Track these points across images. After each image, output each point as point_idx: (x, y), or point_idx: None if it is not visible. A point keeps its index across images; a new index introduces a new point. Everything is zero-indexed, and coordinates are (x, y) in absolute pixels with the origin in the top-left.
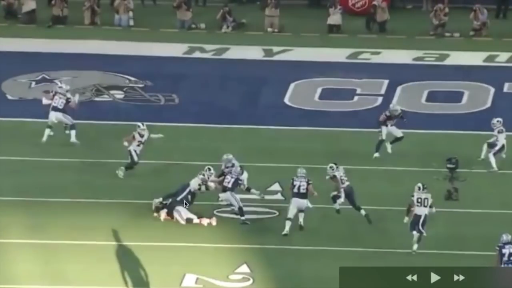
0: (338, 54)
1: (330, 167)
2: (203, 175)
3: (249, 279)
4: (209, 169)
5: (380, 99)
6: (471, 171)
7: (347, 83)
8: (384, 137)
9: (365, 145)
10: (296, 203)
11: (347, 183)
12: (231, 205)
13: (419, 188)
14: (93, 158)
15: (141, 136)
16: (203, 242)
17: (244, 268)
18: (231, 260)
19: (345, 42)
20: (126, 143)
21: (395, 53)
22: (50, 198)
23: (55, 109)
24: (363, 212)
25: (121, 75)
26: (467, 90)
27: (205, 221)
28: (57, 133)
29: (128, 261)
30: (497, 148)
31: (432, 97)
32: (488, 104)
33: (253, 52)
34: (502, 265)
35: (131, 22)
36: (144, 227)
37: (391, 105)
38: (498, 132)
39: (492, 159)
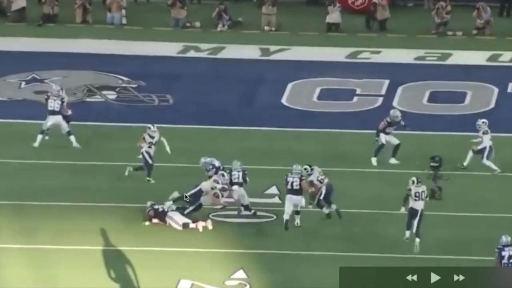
0: (337, 54)
1: (305, 169)
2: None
3: (245, 285)
4: None
5: (380, 100)
6: (475, 173)
7: (346, 83)
8: (384, 142)
9: (365, 147)
10: (290, 200)
11: (326, 180)
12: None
13: (413, 182)
14: (85, 160)
15: (152, 137)
16: (199, 247)
17: (241, 274)
18: (227, 265)
19: (344, 41)
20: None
21: (396, 52)
22: (41, 201)
23: (53, 112)
24: (333, 206)
25: (114, 75)
26: (470, 90)
27: (200, 225)
28: (48, 135)
29: (122, 265)
30: (485, 152)
31: (434, 97)
32: (492, 105)
33: (250, 51)
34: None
35: (124, 21)
36: (138, 231)
37: (391, 112)
38: (483, 133)
39: (489, 163)
